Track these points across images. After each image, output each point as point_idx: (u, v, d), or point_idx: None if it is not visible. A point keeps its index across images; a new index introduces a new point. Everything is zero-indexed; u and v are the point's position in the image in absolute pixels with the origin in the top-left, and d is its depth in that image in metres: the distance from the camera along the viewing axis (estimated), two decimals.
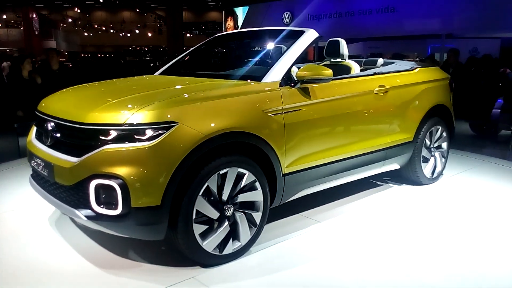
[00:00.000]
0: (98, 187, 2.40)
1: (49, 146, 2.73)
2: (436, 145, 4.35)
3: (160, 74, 3.94)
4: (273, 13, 14.41)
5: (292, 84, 3.04)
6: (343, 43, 3.88)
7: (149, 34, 43.66)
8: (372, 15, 11.67)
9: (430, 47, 12.55)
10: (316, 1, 13.10)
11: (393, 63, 4.31)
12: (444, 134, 4.39)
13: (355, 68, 3.85)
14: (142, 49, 42.06)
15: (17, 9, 34.65)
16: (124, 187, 2.33)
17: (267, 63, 3.14)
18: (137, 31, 44.19)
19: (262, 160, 2.86)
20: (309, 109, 3.07)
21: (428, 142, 4.21)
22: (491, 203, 3.88)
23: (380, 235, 3.18)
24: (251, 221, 2.83)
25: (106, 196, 2.40)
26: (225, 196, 2.65)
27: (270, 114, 2.83)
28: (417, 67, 4.19)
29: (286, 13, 13.90)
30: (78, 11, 42.43)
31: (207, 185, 2.54)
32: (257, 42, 4.29)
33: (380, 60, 4.35)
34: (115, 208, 2.38)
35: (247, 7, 15.47)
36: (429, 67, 4.52)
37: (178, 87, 3.03)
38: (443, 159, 4.46)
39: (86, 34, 43.25)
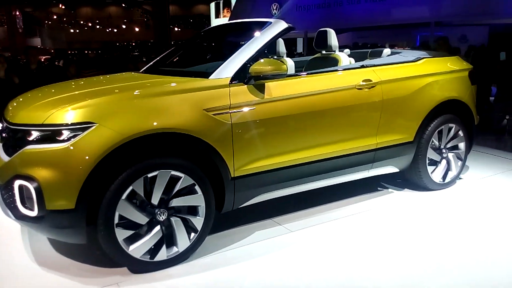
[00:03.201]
0: (20, 188, 2.41)
1: (2, 147, 2.69)
2: (449, 146, 3.91)
3: (143, 71, 3.78)
4: (262, 4, 14.18)
5: (246, 81, 2.83)
6: (331, 34, 3.70)
7: (136, 29, 43.13)
8: (360, 5, 11.50)
9: (419, 35, 12.44)
10: None
11: (399, 53, 3.95)
12: (461, 133, 3.91)
13: (343, 60, 3.62)
14: (130, 44, 41.59)
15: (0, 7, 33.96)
16: (38, 189, 2.33)
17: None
18: (124, 26, 43.62)
19: (208, 162, 2.70)
20: (265, 107, 2.84)
21: (436, 143, 3.82)
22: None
23: (354, 251, 2.85)
24: (191, 227, 2.68)
25: (26, 197, 2.41)
26: (155, 201, 2.52)
27: (212, 113, 2.65)
28: (423, 58, 3.79)
29: (274, 4, 13.68)
30: (63, 7, 41.71)
31: (132, 189, 2.43)
32: (228, 36, 4.09)
33: (386, 51, 4.03)
34: (32, 210, 2.39)
35: None
36: (442, 57, 4.05)
37: (116, 85, 2.91)
38: (460, 162, 3.97)
39: (72, 30, 42.57)
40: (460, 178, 4.17)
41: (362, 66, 3.45)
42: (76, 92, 2.75)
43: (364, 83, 3.31)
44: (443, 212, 3.46)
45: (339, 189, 3.73)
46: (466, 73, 4.01)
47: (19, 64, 7.69)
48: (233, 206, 2.91)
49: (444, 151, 3.89)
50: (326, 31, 3.72)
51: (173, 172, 2.55)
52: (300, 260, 2.73)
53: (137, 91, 2.66)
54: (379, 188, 3.99)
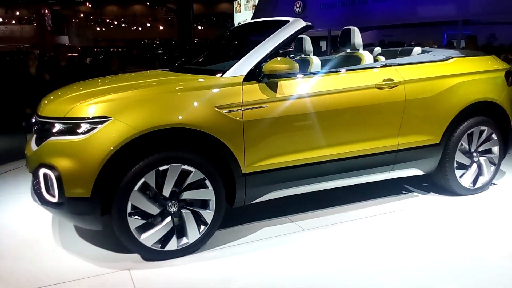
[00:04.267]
0: (45, 176, 2.61)
1: (35, 138, 2.87)
2: (481, 149, 3.74)
3: (170, 69, 3.84)
4: (284, 3, 14.16)
5: (260, 79, 2.86)
6: (354, 32, 3.65)
7: (161, 27, 43.69)
8: (385, 3, 11.36)
9: (446, 34, 12.18)
10: None
11: (429, 52, 3.81)
12: (494, 136, 3.73)
13: (366, 59, 3.57)
14: (154, 42, 42.15)
15: (29, 5, 34.90)
16: (58, 177, 2.51)
17: None
18: (148, 25, 44.26)
19: (220, 157, 2.78)
20: (277, 105, 2.86)
21: (466, 146, 3.66)
22: None
23: (366, 253, 2.77)
24: (201, 220, 2.76)
25: (49, 184, 2.61)
26: (166, 193, 2.63)
27: (224, 111, 2.71)
28: (453, 57, 3.65)
29: (298, 2, 13.64)
30: (90, 6, 42.56)
31: (144, 181, 2.55)
32: (249, 35, 4.12)
33: (416, 49, 3.93)
34: (54, 196, 2.57)
35: None
36: (475, 57, 3.87)
37: (136, 82, 3.03)
38: (492, 167, 3.79)
39: (98, 28, 43.47)
40: (493, 184, 3.98)
41: (385, 65, 3.37)
42: (98, 88, 2.89)
43: (385, 82, 3.25)
44: (469, 219, 3.33)
45: (361, 190, 3.70)
46: (501, 74, 3.81)
47: (50, 61, 7.92)
48: (245, 201, 2.96)
49: (475, 154, 3.72)
50: (350, 29, 3.68)
51: (184, 166, 2.64)
52: (306, 259, 2.74)
53: (152, 88, 2.80)
54: (403, 191, 3.89)
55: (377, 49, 4.19)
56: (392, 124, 3.30)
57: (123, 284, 2.49)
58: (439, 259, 2.72)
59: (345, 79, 3.18)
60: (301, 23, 3.09)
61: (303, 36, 3.98)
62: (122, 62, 7.78)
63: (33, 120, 2.93)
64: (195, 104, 2.69)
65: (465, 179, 3.71)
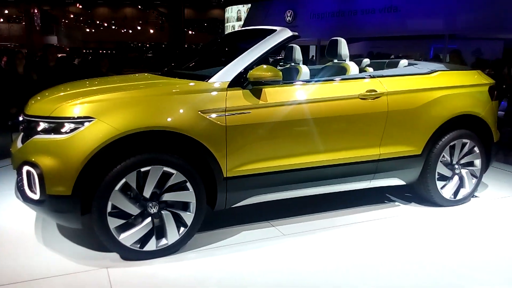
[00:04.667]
0: (27, 173, 2.65)
1: (22, 136, 2.91)
2: (463, 161, 3.80)
3: (160, 73, 3.85)
4: (275, 12, 14.29)
5: (244, 85, 2.92)
6: (341, 43, 3.71)
7: (151, 31, 43.59)
8: (374, 15, 11.56)
9: (433, 47, 12.42)
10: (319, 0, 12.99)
11: (415, 65, 3.88)
12: (476, 149, 3.79)
13: (351, 70, 3.61)
14: (144, 46, 42.05)
15: (18, 4, 34.53)
16: (40, 175, 2.55)
17: None
18: (139, 28, 44.15)
19: (202, 161, 2.83)
20: (260, 112, 2.92)
21: (448, 158, 3.72)
22: None
23: (341, 261, 2.80)
24: (181, 222, 2.80)
25: (31, 181, 2.64)
26: (147, 194, 2.67)
27: (207, 115, 2.77)
28: (438, 70, 3.72)
29: (289, 12, 13.78)
30: (80, 7, 42.31)
31: (125, 181, 2.59)
32: (238, 42, 4.17)
33: (403, 62, 4.00)
34: (36, 193, 2.62)
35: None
36: (460, 71, 3.95)
37: (122, 85, 3.07)
38: (474, 179, 3.85)
39: (88, 30, 43.20)
40: (475, 196, 4.03)
41: (369, 76, 3.42)
42: (84, 89, 2.94)
43: (368, 93, 3.30)
44: (448, 230, 3.37)
45: (344, 197, 3.75)
46: (485, 88, 3.88)
47: (38, 61, 7.86)
48: (226, 205, 3.00)
49: (456, 166, 3.77)
50: (337, 40, 3.74)
51: (166, 168, 2.68)
52: (284, 263, 2.78)
53: (136, 90, 2.85)
54: (385, 201, 3.94)
55: (366, 60, 4.27)
56: (374, 134, 3.36)
57: (100, 283, 2.50)
58: (417, 269, 2.76)
59: (329, 89, 3.23)
60: (288, 33, 3.15)
61: (293, 45, 4.04)
62: (118, 64, 7.71)
63: (20, 119, 2.95)
64: (178, 107, 2.74)
65: (446, 190, 3.77)
